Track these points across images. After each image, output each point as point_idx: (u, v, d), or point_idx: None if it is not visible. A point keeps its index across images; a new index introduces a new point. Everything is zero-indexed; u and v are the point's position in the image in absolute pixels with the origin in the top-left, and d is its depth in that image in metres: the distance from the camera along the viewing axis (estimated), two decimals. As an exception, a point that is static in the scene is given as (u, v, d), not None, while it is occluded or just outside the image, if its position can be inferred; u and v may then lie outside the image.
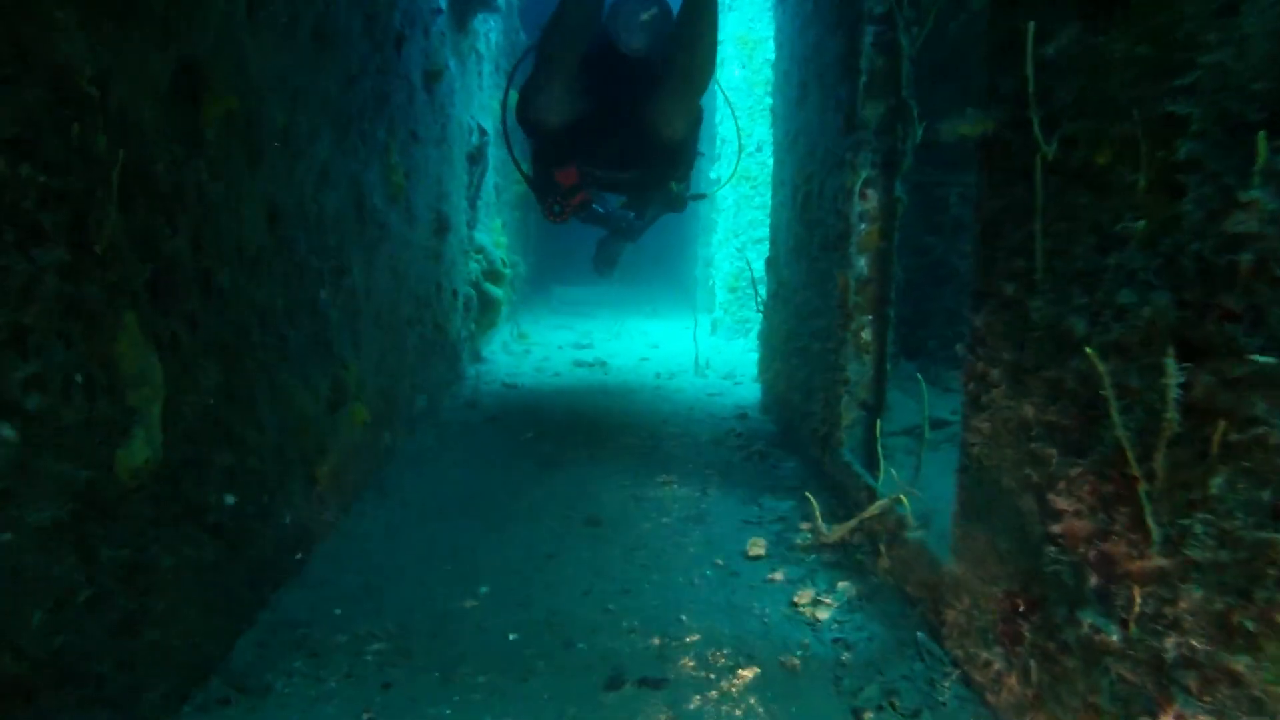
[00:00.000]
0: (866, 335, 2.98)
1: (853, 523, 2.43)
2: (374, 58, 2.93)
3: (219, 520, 1.79)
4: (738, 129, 5.93)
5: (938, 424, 3.63)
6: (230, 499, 1.84)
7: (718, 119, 6.41)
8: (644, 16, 3.88)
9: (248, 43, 1.92)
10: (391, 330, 3.26)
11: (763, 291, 4.51)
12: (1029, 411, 1.60)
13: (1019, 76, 1.59)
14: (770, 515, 2.80)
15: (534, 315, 7.68)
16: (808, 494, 2.71)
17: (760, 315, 4.73)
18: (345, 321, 2.70)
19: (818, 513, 2.56)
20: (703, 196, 5.16)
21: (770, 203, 4.37)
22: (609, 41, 3.97)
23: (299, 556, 2.31)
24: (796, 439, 3.57)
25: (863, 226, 2.93)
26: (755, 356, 5.72)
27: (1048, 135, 1.52)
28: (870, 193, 2.91)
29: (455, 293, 4.54)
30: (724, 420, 4.09)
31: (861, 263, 2.94)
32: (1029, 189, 1.59)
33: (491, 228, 5.94)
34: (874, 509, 2.37)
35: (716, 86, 5.67)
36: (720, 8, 6.20)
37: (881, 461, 2.73)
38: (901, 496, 2.32)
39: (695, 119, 3.98)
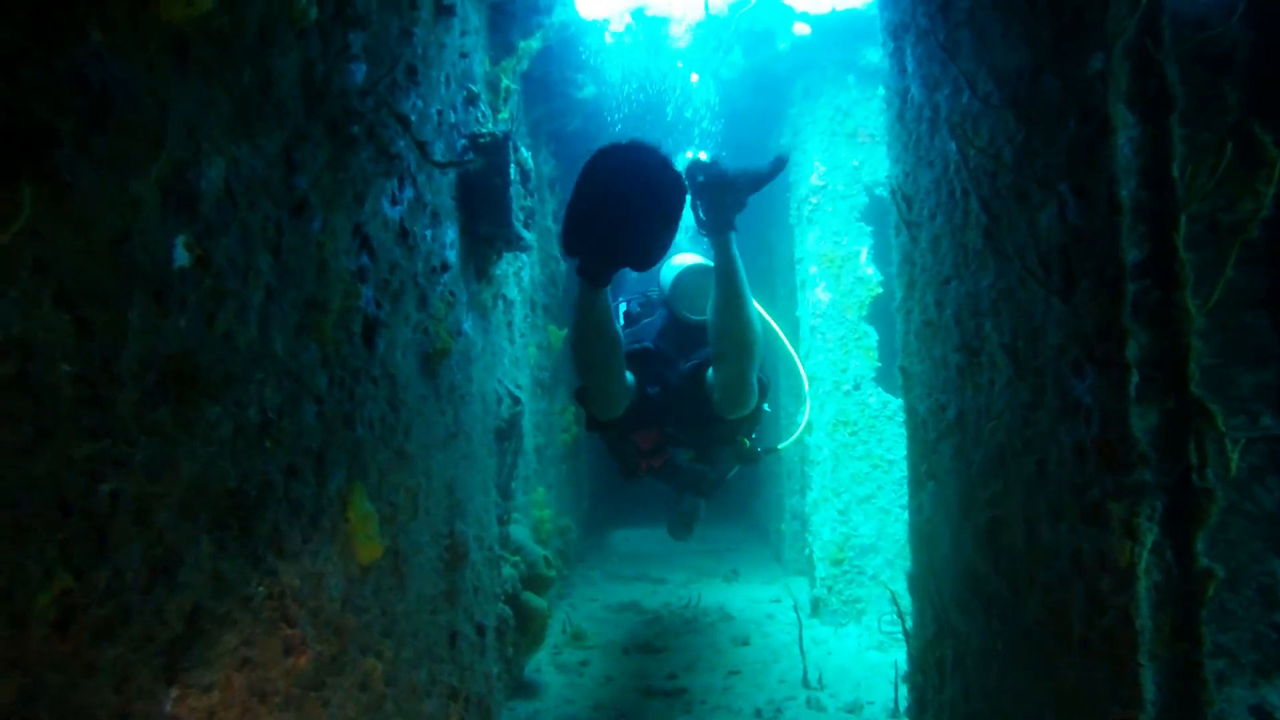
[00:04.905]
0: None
1: None
2: (316, 378, 1.84)
3: None
4: (804, 377, 4.90)
5: None
6: None
7: (803, 351, 5.31)
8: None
9: None
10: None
11: (907, 617, 3.23)
12: None
13: None
14: None
15: (590, 582, 6.41)
16: None
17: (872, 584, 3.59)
18: None
19: None
20: (774, 451, 4.63)
21: (908, 499, 3.12)
22: (673, 310, 4.02)
23: None
24: None
25: (1148, 622, 1.69)
26: (878, 658, 4.42)
27: None
28: (1154, 561, 1.70)
29: (481, 629, 3.32)
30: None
31: (1148, 682, 1.68)
32: None
33: (533, 503, 4.78)
34: None
35: (782, 341, 4.79)
36: (799, 220, 5.30)
37: None
38: None
39: (758, 394, 3.76)
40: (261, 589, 1.60)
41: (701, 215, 3.39)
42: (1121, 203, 1.66)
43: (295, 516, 1.74)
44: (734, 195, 3.27)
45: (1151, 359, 1.68)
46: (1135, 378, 1.64)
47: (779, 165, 3.26)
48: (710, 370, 3.67)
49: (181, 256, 1.35)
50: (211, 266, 1.43)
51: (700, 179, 3.25)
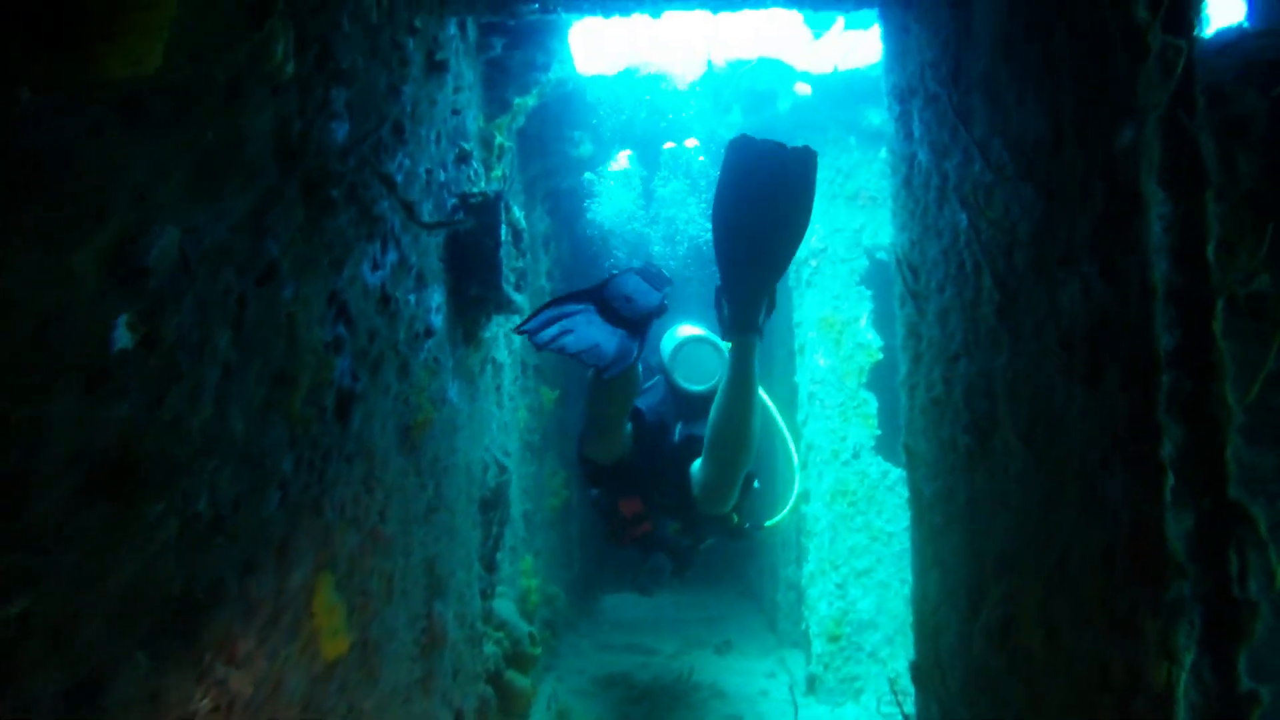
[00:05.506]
0: None
1: None
2: (280, 461, 1.69)
3: None
4: (794, 456, 4.77)
5: None
6: None
7: (801, 417, 5.17)
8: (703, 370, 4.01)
9: None
10: None
11: (905, 700, 3.06)
12: None
13: None
14: None
15: (579, 652, 6.18)
16: None
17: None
18: None
19: None
20: (760, 528, 4.52)
21: (912, 584, 2.96)
22: (670, 379, 4.06)
23: None
24: None
25: (1187, 746, 1.53)
26: (879, 742, 4.22)
27: None
28: (1191, 681, 1.55)
29: (460, 715, 3.13)
30: None
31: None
32: None
33: (520, 572, 4.60)
34: None
35: (774, 421, 4.71)
36: (798, 284, 5.19)
37: None
38: None
39: (740, 493, 3.67)
40: (206, 702, 1.44)
41: (725, 314, 3.15)
42: (1155, 287, 1.54)
43: (251, 617, 1.58)
44: (766, 274, 3.06)
45: (1186, 457, 1.54)
46: (1171, 480, 1.51)
47: (807, 154, 2.97)
48: (697, 462, 3.60)
49: (124, 337, 1.22)
50: (159, 346, 1.29)
51: (735, 152, 3.01)
